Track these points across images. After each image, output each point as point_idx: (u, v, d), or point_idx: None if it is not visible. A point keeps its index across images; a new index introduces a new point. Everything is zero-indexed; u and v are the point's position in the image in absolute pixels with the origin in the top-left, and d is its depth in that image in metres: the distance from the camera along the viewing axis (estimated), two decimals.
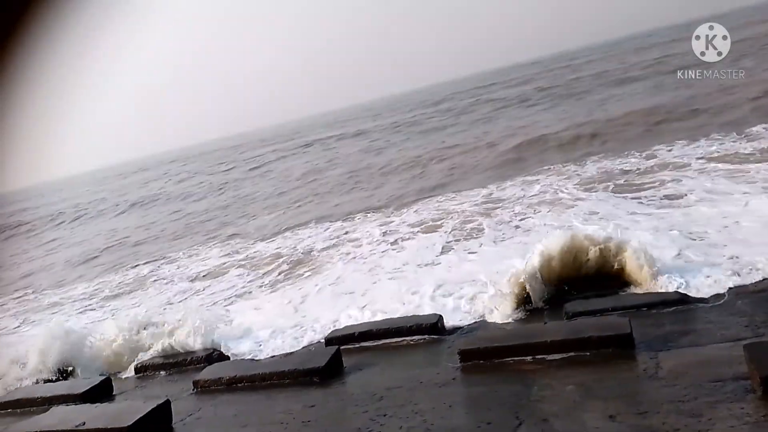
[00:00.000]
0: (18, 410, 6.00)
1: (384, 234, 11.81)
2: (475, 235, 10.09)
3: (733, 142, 12.51)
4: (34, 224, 33.39)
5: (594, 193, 10.99)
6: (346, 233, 12.84)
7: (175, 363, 6.75)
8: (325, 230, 13.79)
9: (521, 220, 10.30)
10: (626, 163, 13.08)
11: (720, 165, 10.74)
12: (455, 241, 10.02)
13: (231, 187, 28.91)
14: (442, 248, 9.70)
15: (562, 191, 11.67)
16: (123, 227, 24.07)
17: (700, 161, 11.40)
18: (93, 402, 5.62)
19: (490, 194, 13.22)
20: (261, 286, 10.31)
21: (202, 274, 12.42)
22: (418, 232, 11.35)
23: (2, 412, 6.12)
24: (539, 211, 10.55)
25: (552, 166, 14.70)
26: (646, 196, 9.98)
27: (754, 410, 3.20)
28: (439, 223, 11.66)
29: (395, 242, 10.97)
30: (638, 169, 12.20)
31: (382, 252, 10.50)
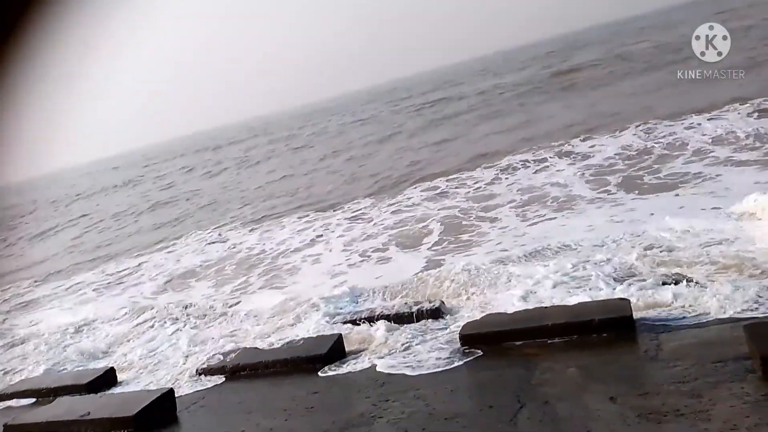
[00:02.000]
0: (24, 400, 6.05)
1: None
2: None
3: None
4: None
5: None
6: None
7: None
8: None
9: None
10: None
11: None
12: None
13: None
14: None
15: None
16: None
17: None
18: (98, 392, 5.67)
19: None
20: None
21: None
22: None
23: (9, 402, 6.17)
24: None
25: None
26: None
27: (754, 390, 3.22)
28: None
29: None
30: None
31: None
